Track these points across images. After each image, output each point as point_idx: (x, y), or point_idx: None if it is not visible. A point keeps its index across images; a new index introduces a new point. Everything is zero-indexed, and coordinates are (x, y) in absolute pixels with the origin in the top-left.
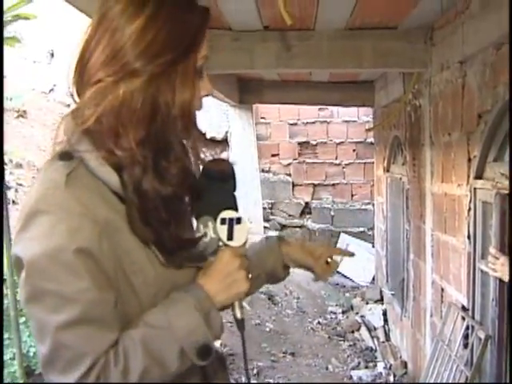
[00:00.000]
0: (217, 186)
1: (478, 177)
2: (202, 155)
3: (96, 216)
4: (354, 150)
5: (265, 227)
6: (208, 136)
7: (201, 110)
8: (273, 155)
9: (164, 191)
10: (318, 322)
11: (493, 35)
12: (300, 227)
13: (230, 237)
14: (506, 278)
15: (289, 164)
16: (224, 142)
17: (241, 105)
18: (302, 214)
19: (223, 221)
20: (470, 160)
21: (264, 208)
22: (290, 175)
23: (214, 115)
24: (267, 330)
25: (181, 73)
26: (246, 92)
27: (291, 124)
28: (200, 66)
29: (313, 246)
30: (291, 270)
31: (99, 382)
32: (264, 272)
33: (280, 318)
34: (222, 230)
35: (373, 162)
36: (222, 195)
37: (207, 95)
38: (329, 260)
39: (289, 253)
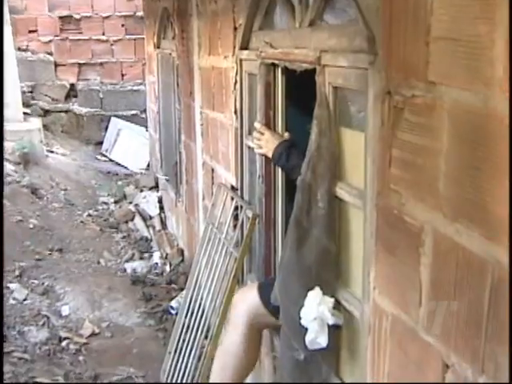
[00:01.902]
0: None
1: (244, 47)
2: None
3: None
4: (122, 25)
5: (25, 113)
6: None
7: None
8: (30, 31)
9: None
10: (89, 214)
11: None
12: (66, 112)
13: None
14: (270, 154)
15: (49, 41)
16: None
17: None
18: (68, 97)
19: None
20: (235, 29)
21: (23, 92)
22: (51, 54)
23: None
24: (31, 226)
25: None
26: None
27: None
28: None
29: None
30: (57, 158)
31: None
32: None
33: (45, 213)
34: None
35: (143, 38)
36: None
37: None
38: None
39: None
